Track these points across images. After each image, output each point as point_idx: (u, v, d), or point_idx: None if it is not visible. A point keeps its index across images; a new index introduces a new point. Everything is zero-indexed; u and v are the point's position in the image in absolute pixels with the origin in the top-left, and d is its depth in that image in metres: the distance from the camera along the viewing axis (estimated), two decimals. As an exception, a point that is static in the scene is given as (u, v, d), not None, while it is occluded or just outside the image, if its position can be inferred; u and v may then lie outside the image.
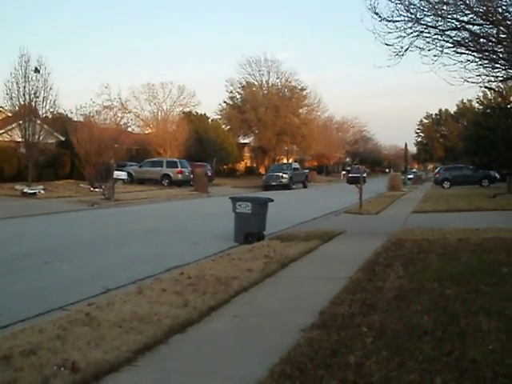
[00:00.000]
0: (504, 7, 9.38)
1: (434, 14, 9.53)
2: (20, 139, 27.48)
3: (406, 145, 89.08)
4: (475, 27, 9.73)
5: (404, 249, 9.49)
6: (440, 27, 9.80)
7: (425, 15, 9.68)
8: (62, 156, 31.46)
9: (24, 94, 26.64)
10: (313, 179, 53.90)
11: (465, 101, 69.35)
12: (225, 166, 55.35)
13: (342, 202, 22.56)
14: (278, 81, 61.92)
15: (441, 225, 13.02)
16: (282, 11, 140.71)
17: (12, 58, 37.53)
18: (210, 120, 56.20)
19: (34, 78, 26.75)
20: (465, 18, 9.54)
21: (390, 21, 9.92)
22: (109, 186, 24.92)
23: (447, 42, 9.97)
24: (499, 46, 9.81)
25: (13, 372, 3.90)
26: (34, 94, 26.81)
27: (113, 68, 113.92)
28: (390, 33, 10.04)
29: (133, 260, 9.72)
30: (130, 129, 42.26)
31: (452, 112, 78.17)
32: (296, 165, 48.30)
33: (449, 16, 9.53)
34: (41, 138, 27.00)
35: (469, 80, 10.70)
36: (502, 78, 11.53)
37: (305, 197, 31.87)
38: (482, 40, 9.87)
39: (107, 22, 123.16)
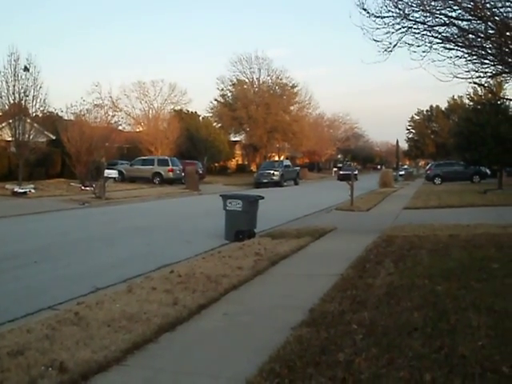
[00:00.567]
0: (492, 3, 9.39)
1: (422, 10, 9.51)
2: (10, 138, 27.25)
3: (397, 141, 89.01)
4: (464, 23, 9.73)
5: (395, 245, 9.53)
6: (428, 23, 9.79)
7: (413, 11, 9.65)
8: (53, 155, 31.20)
9: (14, 93, 26.40)
10: (304, 176, 53.92)
11: (455, 97, 69.48)
12: (216, 164, 55.19)
13: (333, 199, 22.58)
14: (268, 78, 61.79)
15: (432, 221, 13.07)
16: (272, 9, 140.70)
17: (1, 57, 37.42)
18: (201, 118, 55.96)
19: (23, 77, 26.48)
20: (453, 14, 9.53)
21: (378, 17, 9.88)
22: (100, 185, 24.81)
23: (436, 37, 9.96)
24: (488, 41, 9.82)
25: (-1, 373, 3.87)
26: (24, 92, 26.58)
27: (104, 66, 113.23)
28: (378, 29, 9.99)
29: (123, 259, 9.69)
30: (120, 127, 41.96)
31: (443, 108, 78.24)
32: (287, 162, 48.26)
33: (437, 12, 9.52)
34: (31, 136, 26.79)
35: (458, 76, 10.69)
36: (490, 74, 11.54)
37: (296, 194, 31.88)
38: (470, 36, 9.86)
39: (98, 20, 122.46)
